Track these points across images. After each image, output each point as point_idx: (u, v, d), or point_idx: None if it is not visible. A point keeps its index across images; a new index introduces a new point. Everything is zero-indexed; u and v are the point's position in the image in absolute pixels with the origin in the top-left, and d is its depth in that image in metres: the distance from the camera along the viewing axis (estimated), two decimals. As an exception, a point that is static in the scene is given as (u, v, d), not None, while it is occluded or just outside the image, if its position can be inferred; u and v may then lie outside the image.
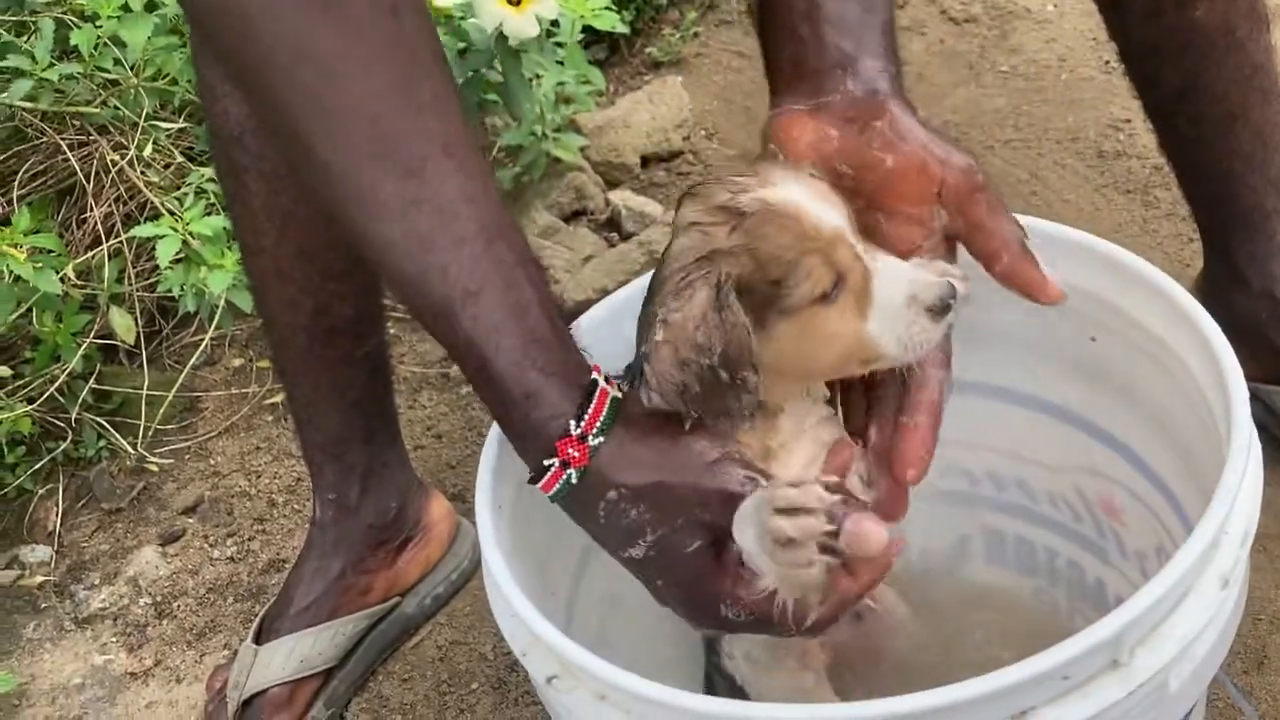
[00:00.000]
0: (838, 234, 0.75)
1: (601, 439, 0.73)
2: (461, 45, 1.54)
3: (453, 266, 0.74)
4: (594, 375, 0.76)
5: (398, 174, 0.74)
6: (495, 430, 0.86)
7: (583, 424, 0.73)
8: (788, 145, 0.81)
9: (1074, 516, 1.04)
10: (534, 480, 0.75)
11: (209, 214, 1.55)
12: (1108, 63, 1.88)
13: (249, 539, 1.52)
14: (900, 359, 0.78)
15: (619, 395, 0.76)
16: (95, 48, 1.54)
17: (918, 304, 0.76)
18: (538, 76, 1.66)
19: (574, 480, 0.74)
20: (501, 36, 1.45)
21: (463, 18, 1.51)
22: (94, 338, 1.63)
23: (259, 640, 1.28)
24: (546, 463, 0.74)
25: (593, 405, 0.74)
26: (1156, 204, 1.65)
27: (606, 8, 1.75)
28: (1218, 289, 1.30)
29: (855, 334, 0.76)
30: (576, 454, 0.73)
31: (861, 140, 0.79)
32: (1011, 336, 0.99)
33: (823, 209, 0.75)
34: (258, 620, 1.30)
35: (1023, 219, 0.95)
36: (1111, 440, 0.97)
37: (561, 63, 1.76)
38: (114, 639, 1.43)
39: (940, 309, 0.76)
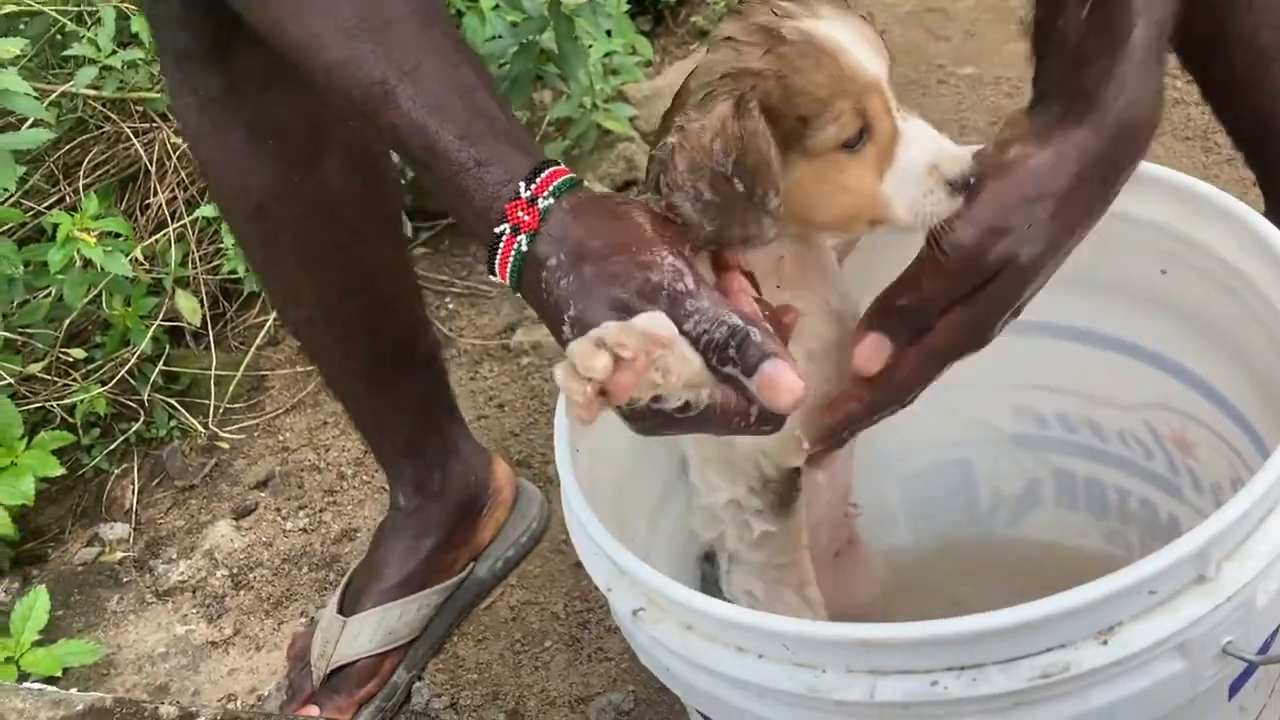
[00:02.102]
0: (874, 82, 0.73)
1: (551, 201, 0.69)
2: (514, 18, 1.56)
3: (382, 47, 0.73)
4: (554, 158, 0.73)
5: None
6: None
7: (533, 187, 0.70)
8: None
9: (1145, 454, 1.04)
10: (491, 265, 0.71)
11: (270, 193, 1.57)
12: (1161, 12, 1.86)
13: (320, 510, 1.54)
14: (907, 226, 0.76)
15: (576, 178, 0.72)
16: (155, 34, 1.57)
17: (938, 174, 0.74)
18: (588, 46, 1.67)
19: (524, 248, 0.69)
20: (555, 2, 1.46)
21: (513, -12, 1.52)
22: (161, 320, 1.67)
23: (343, 611, 1.30)
24: (498, 230, 0.70)
25: (546, 173, 0.70)
26: (1216, 149, 1.63)
27: (653, -24, 1.76)
28: None
29: (869, 190, 0.74)
30: (526, 217, 0.69)
31: None
32: (1078, 274, 0.98)
33: (865, 53, 0.73)
34: (340, 590, 1.32)
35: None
36: (1184, 373, 0.96)
37: (609, 33, 1.77)
38: (194, 610, 1.46)
39: (960, 184, 0.74)
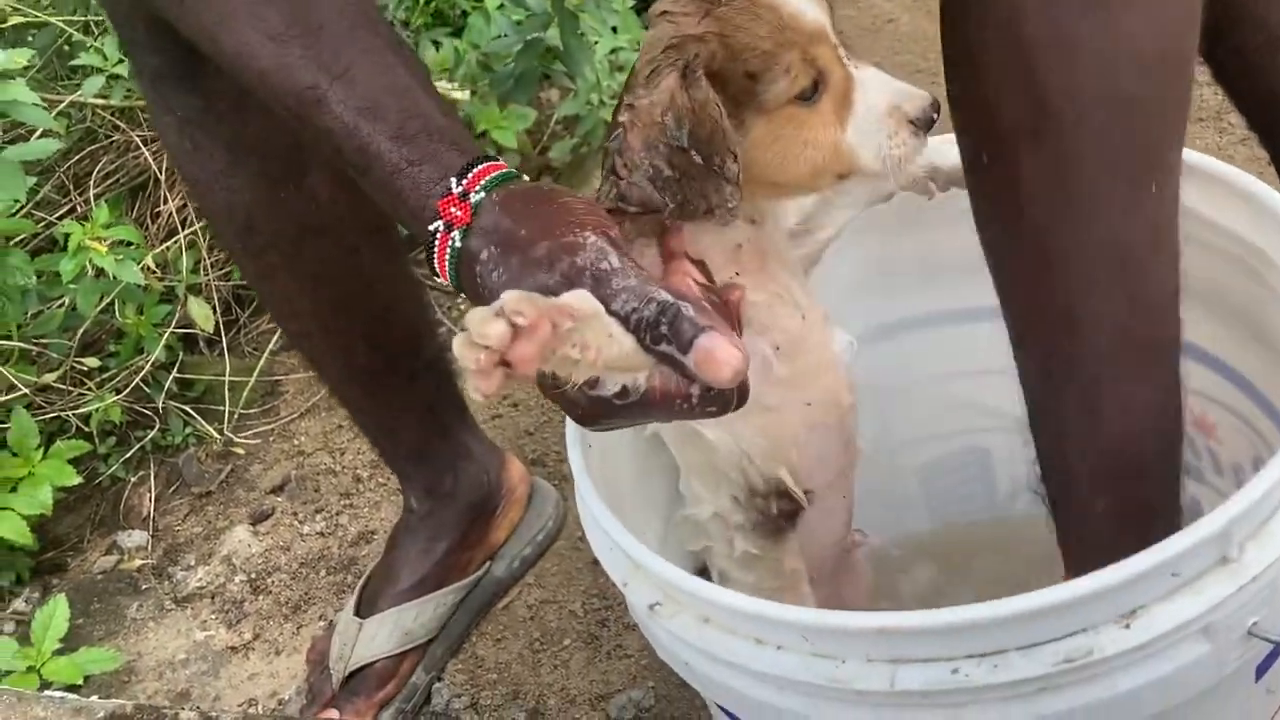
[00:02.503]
0: (819, 31, 0.72)
1: (483, 195, 0.68)
2: (518, 16, 1.55)
3: (312, 52, 0.72)
4: (490, 154, 0.72)
5: None
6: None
7: (465, 182, 0.69)
8: None
9: (1166, 437, 1.03)
10: (430, 265, 0.70)
11: (280, 198, 1.57)
12: (1170, -8, 1.84)
13: (337, 514, 1.54)
14: (876, 173, 0.75)
15: (513, 172, 0.71)
16: (161, 42, 1.57)
17: (900, 114, 0.73)
18: (594, 43, 1.67)
19: (458, 244, 0.68)
20: (558, -1, 1.46)
21: (517, -14, 1.52)
22: (174, 328, 1.67)
23: (359, 613, 1.30)
24: (431, 228, 0.69)
25: (478, 169, 0.69)
26: (1230, 130, 1.61)
27: (657, -29, 1.75)
28: None
29: (832, 142, 0.74)
30: (459, 212, 0.68)
31: None
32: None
33: (804, 3, 0.72)
34: (357, 592, 1.32)
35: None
36: (1201, 354, 0.95)
37: (615, 30, 1.77)
38: (213, 616, 1.46)
39: (924, 122, 0.73)
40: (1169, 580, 0.65)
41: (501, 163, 0.70)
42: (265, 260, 1.11)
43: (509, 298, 0.58)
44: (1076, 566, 0.78)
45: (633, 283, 0.63)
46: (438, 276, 0.70)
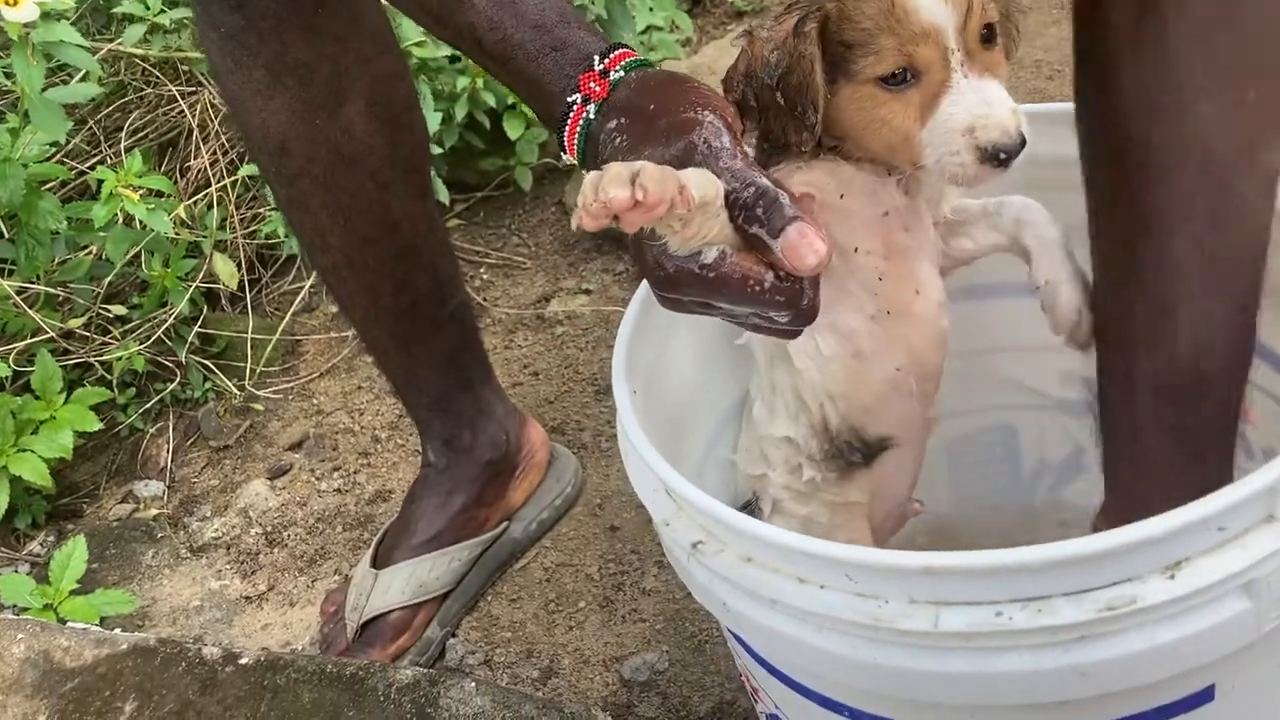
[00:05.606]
0: (931, 30, 0.74)
1: (621, 74, 0.74)
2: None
3: None
4: (626, 42, 0.77)
5: None
6: (627, 321, 0.88)
7: (606, 61, 0.74)
8: None
9: (1195, 420, 1.03)
10: (560, 140, 0.74)
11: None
12: (1203, -1, 1.85)
13: (354, 472, 1.55)
14: (935, 176, 0.78)
15: (649, 60, 0.76)
16: (201, -5, 1.58)
17: (972, 138, 0.74)
18: (632, 18, 1.68)
19: (592, 116, 0.73)
20: (603, -32, 1.47)
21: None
22: (199, 283, 1.68)
23: (375, 565, 1.31)
24: (570, 99, 0.74)
25: (619, 51, 0.75)
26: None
27: (695, -48, 1.76)
28: None
29: (906, 132, 0.76)
30: (597, 88, 0.73)
31: None
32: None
33: (931, 1, 0.74)
34: (374, 546, 1.33)
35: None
36: (1238, 335, 0.96)
37: (651, 10, 1.78)
38: (228, 566, 1.46)
39: (990, 156, 0.74)
40: (1215, 534, 0.65)
41: (634, 50, 0.75)
42: (297, 187, 1.13)
43: (648, 169, 0.62)
44: (1121, 488, 0.79)
45: (738, 165, 0.68)
46: (564, 153, 0.74)
